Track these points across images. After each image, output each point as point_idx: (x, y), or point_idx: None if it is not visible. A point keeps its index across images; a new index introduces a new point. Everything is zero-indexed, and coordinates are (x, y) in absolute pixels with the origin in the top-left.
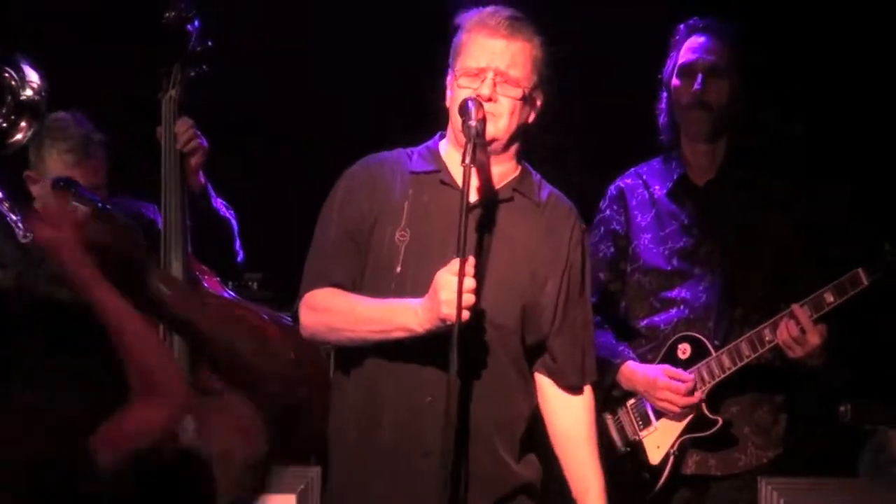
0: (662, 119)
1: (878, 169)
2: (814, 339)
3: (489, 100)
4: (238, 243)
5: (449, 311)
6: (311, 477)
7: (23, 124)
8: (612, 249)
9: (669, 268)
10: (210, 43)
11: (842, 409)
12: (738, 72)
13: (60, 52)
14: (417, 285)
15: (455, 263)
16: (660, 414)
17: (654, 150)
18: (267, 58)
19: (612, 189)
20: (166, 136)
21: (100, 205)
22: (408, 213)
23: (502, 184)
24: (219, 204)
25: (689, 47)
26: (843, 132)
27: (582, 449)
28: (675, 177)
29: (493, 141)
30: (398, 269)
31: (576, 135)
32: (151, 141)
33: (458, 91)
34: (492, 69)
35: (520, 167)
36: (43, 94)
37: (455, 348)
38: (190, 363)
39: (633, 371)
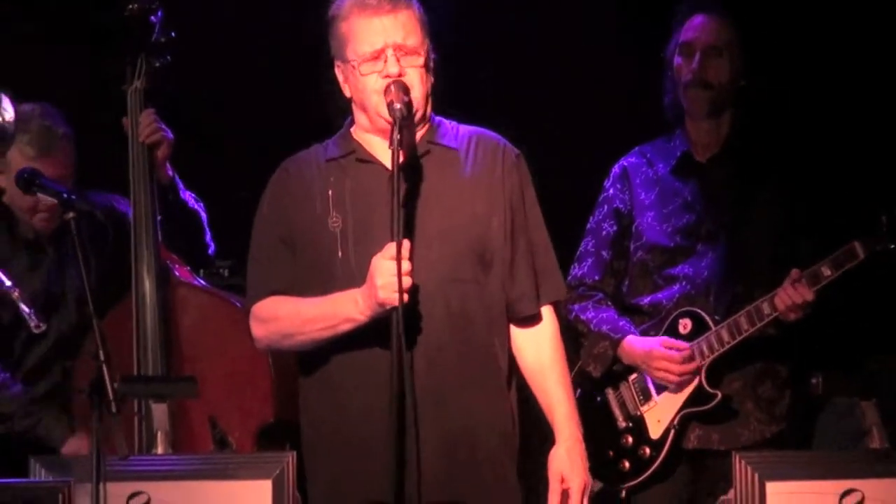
0: (666, 97)
1: (878, 141)
2: (809, 308)
3: (399, 76)
4: (208, 235)
5: (385, 296)
6: (286, 462)
7: None
8: (615, 228)
9: (672, 245)
10: (174, 34)
11: (813, 381)
12: (740, 49)
13: (25, 44)
14: (362, 266)
15: (390, 248)
16: (660, 388)
17: (661, 129)
18: (233, 45)
19: (616, 168)
20: (132, 128)
21: (65, 195)
22: (333, 198)
23: (417, 143)
24: (187, 196)
25: (690, 25)
26: (844, 105)
27: (548, 378)
28: (678, 154)
29: (416, 113)
30: (339, 255)
31: (582, 114)
32: (120, 132)
33: (362, 79)
34: (390, 46)
35: (429, 122)
36: (11, 122)
37: (395, 332)
38: (164, 352)
39: (632, 345)
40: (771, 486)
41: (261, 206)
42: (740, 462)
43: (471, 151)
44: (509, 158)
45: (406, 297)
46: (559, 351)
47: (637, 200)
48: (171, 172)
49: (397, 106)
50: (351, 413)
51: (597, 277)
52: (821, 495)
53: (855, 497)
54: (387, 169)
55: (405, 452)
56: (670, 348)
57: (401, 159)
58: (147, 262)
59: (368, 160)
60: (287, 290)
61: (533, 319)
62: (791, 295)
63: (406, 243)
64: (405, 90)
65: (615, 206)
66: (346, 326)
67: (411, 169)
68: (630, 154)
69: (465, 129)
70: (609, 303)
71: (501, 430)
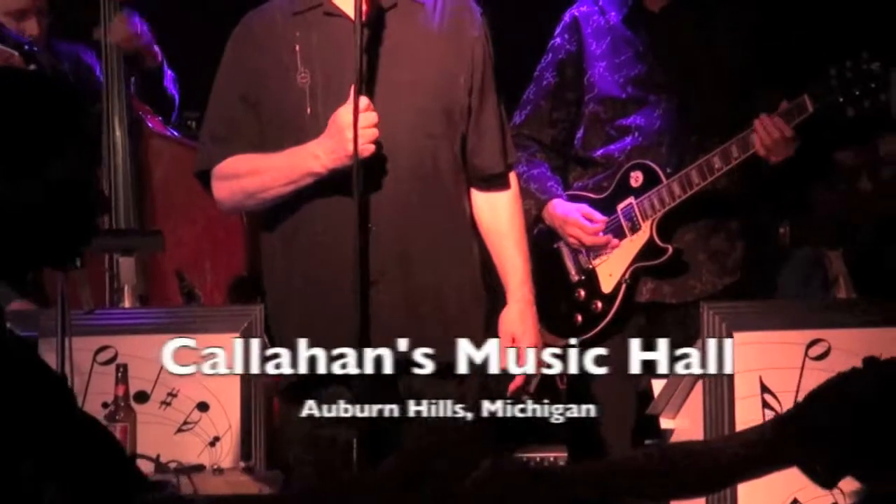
0: None
1: None
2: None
3: None
4: (175, 115)
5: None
6: (255, 315)
7: None
8: (555, 79)
9: (624, 96)
10: None
11: (781, 230)
12: None
13: None
14: None
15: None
16: None
17: None
18: None
19: (566, 16)
20: None
21: (27, 47)
22: (301, 54)
23: None
24: (168, 80)
25: None
26: None
27: (505, 241)
28: (630, 2)
29: None
30: (308, 111)
31: None
32: None
33: None
34: None
35: None
36: None
37: (355, 183)
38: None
39: (555, 209)
40: (738, 336)
41: (223, 60)
42: (708, 312)
43: (438, 6)
44: (476, 17)
45: (372, 147)
46: (518, 213)
47: (588, 51)
48: (159, 59)
49: None
50: (316, 266)
51: (533, 126)
52: (787, 345)
53: (821, 347)
54: (353, 22)
55: (368, 307)
56: (586, 217)
57: (365, 8)
58: (118, 112)
59: (335, 13)
60: (248, 149)
61: (494, 179)
62: (768, 128)
63: (364, 99)
64: None
65: (559, 57)
66: (308, 181)
67: (377, 20)
68: (581, 2)
69: None
70: (543, 155)
71: (470, 289)
